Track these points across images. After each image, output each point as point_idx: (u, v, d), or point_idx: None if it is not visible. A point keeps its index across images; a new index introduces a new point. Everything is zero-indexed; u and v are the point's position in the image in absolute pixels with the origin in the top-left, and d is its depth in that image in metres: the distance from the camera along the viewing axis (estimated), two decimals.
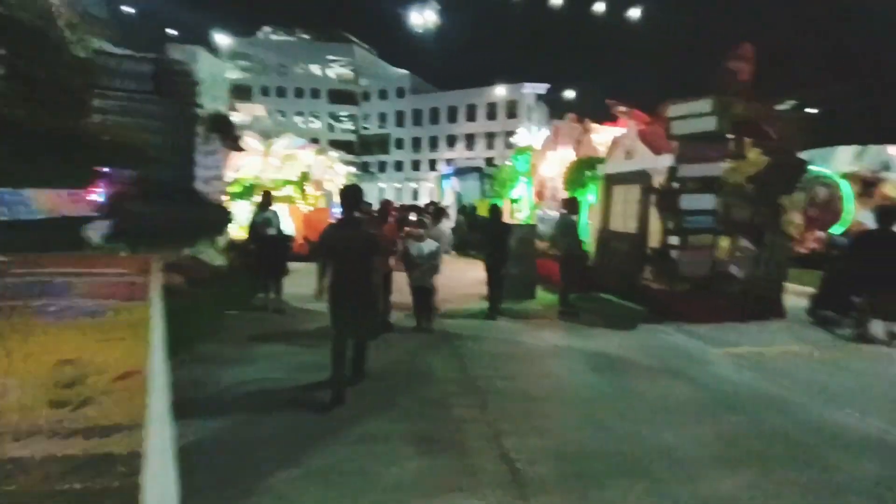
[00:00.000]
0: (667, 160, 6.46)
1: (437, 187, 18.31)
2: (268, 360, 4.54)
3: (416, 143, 54.88)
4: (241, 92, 55.57)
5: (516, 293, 7.75)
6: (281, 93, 56.66)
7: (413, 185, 54.07)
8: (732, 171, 6.38)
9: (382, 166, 57.46)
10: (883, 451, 3.06)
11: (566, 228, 6.85)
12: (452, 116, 52.52)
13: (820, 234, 10.59)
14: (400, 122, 55.76)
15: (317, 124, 58.03)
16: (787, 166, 6.64)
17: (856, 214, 11.18)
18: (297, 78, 57.12)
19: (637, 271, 7.09)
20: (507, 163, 13.18)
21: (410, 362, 4.68)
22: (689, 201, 6.34)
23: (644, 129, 7.13)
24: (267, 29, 59.99)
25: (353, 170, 56.16)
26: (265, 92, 56.29)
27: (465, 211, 14.22)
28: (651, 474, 2.74)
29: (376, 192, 54.38)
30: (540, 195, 11.40)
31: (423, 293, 5.74)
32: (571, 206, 6.99)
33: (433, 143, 53.90)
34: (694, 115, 6.29)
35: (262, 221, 6.41)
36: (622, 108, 7.55)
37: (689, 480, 2.67)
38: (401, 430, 3.22)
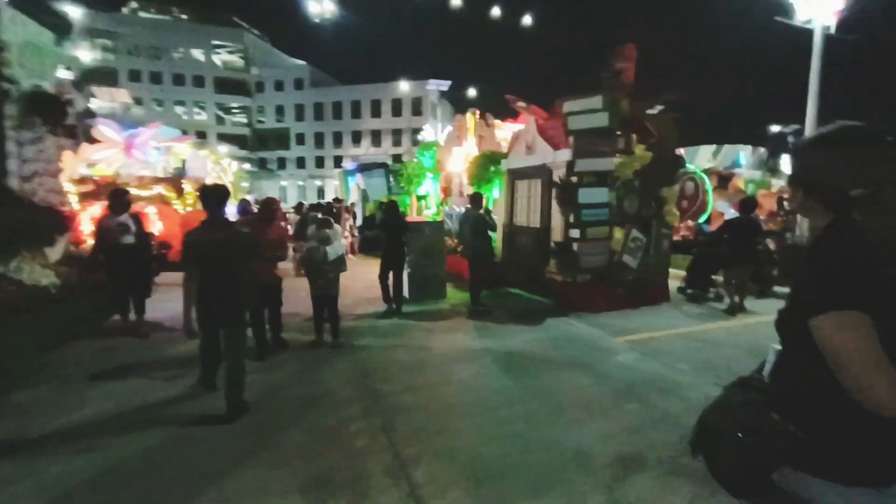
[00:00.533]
0: (565, 154, 6.60)
1: (342, 184, 17.34)
2: (113, 401, 3.62)
3: (319, 138, 52.15)
4: (104, 76, 48.07)
5: (427, 293, 7.45)
6: (156, 79, 49.90)
7: (318, 182, 51.36)
8: (622, 165, 6.72)
9: (282, 163, 53.70)
10: None
11: (474, 224, 6.69)
12: (356, 112, 50.80)
13: (690, 223, 11.91)
14: (300, 116, 52.49)
15: (203, 116, 52.28)
16: (667, 161, 7.19)
17: (714, 205, 12.80)
18: (176, 63, 50.78)
19: (542, 265, 7.19)
20: (413, 159, 12.84)
21: (305, 384, 4.08)
22: (586, 195, 6.54)
23: (542, 124, 7.24)
24: (134, 4, 52.35)
25: (247, 166, 51.81)
26: (135, 77, 49.20)
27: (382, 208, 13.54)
28: (569, 485, 2.55)
29: (277, 190, 50.76)
30: (446, 191, 11.24)
31: (329, 302, 5.10)
32: (476, 201, 6.85)
33: (337, 139, 51.65)
34: (587, 111, 6.50)
35: (116, 228, 5.22)
36: (521, 104, 7.61)
37: (605, 488, 2.54)
38: (287, 476, 2.66)
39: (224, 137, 52.78)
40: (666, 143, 7.15)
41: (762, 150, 14.57)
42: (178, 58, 51.00)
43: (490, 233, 6.83)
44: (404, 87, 42.38)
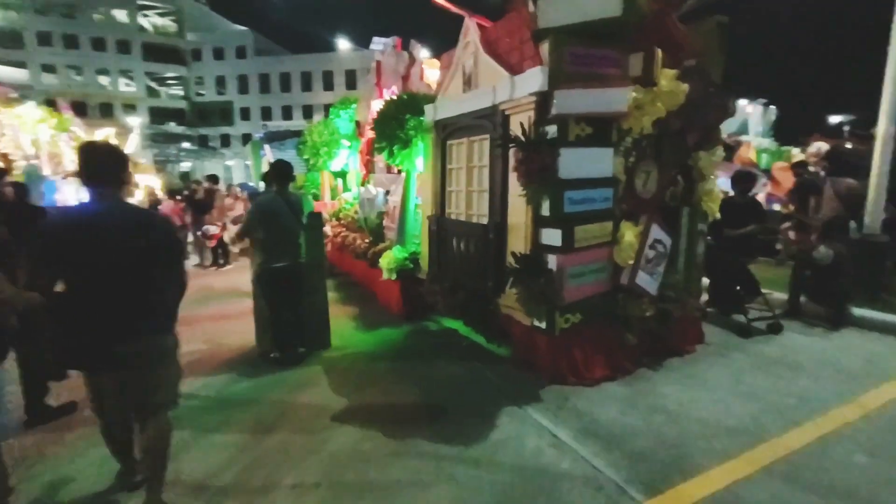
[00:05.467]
0: (532, 80, 3.35)
1: (253, 159, 13.58)
2: None
3: (266, 113, 47.04)
4: (6, 38, 41.15)
5: (294, 338, 4.19)
6: (71, 42, 43.32)
7: (270, 160, 46.43)
8: (638, 107, 3.55)
9: (226, 140, 48.39)
10: None
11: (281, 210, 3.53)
12: (307, 84, 45.94)
13: None
14: (244, 88, 47.17)
15: (133, 87, 46.09)
16: (710, 102, 4.06)
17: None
18: (96, 25, 44.22)
19: (492, 291, 4.00)
20: (320, 119, 9.33)
21: None
22: (572, 162, 3.34)
23: (489, 31, 3.96)
24: None
25: (186, 144, 46.32)
26: (45, 40, 42.44)
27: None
28: None
29: (222, 170, 45.47)
30: (368, 165, 7.86)
31: None
32: (283, 174, 3.84)
33: (287, 114, 46.62)
34: None
35: None
36: (449, 5, 4.34)
37: None
38: None
39: (158, 112, 46.99)
40: (707, 69, 4.01)
41: (773, 108, 11.85)
42: (97, 19, 44.39)
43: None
44: (357, 55, 37.86)
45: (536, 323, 3.53)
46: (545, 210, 3.40)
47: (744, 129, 11.30)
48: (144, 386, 2.11)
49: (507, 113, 3.74)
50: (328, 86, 44.72)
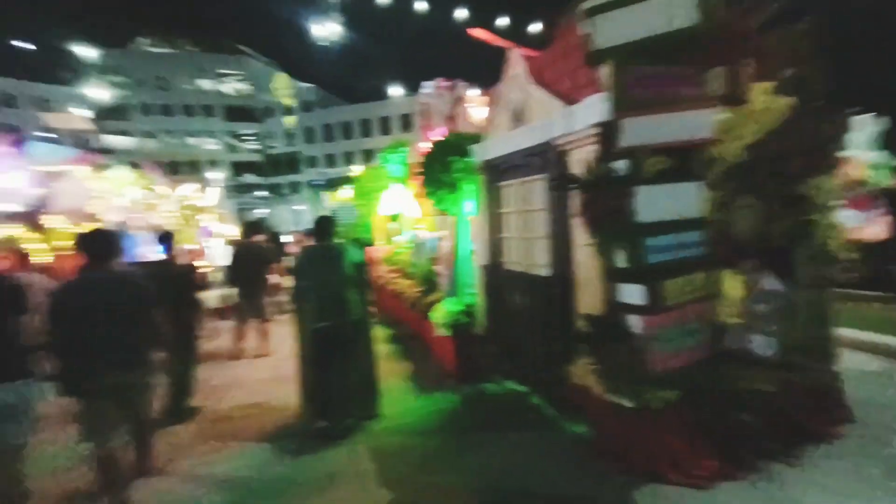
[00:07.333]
0: (593, 110, 2.86)
1: (315, 204, 14.01)
2: None
3: (331, 159, 50.12)
4: (114, 113, 47.96)
5: (343, 405, 3.82)
6: (167, 111, 49.72)
7: (328, 205, 48.92)
8: (725, 133, 2.92)
9: (295, 187, 51.94)
10: None
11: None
12: (366, 130, 48.61)
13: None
14: (310, 138, 50.85)
15: (215, 145, 51.51)
16: (818, 119, 3.30)
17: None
18: (185, 94, 50.43)
19: (558, 357, 3.39)
20: (373, 165, 9.36)
21: None
22: (650, 201, 2.75)
23: (537, 60, 3.53)
24: (143, 40, 52.58)
25: (263, 193, 50.30)
26: (147, 111, 49.03)
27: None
28: None
29: (290, 215, 48.67)
30: (419, 208, 7.64)
31: None
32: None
33: (348, 159, 49.28)
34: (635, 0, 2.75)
35: None
36: (485, 34, 4.00)
37: None
38: None
39: (238, 165, 51.83)
40: (809, 79, 3.27)
41: (877, 117, 10.17)
42: (187, 89, 50.65)
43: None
44: (410, 99, 39.46)
45: (619, 400, 2.87)
46: (621, 261, 2.81)
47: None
48: None
49: (563, 149, 3.25)
50: (385, 131, 46.82)
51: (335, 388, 3.72)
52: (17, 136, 8.82)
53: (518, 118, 3.80)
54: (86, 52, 47.18)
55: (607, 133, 2.81)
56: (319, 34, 27.94)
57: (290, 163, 51.69)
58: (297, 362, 4.02)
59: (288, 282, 4.11)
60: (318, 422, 3.80)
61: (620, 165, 2.79)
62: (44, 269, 5.80)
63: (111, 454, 2.64)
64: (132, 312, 2.70)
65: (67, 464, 3.21)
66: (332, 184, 12.77)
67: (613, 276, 2.88)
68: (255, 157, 53.17)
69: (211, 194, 15.87)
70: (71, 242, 7.69)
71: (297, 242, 10.56)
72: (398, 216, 8.89)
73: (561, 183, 3.09)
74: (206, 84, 51.09)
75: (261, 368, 5.67)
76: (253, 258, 6.31)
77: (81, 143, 31.98)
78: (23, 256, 4.65)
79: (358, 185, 8.81)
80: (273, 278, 8.78)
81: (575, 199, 2.99)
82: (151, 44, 52.44)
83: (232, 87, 52.96)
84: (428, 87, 7.69)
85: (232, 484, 3.11)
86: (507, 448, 3.27)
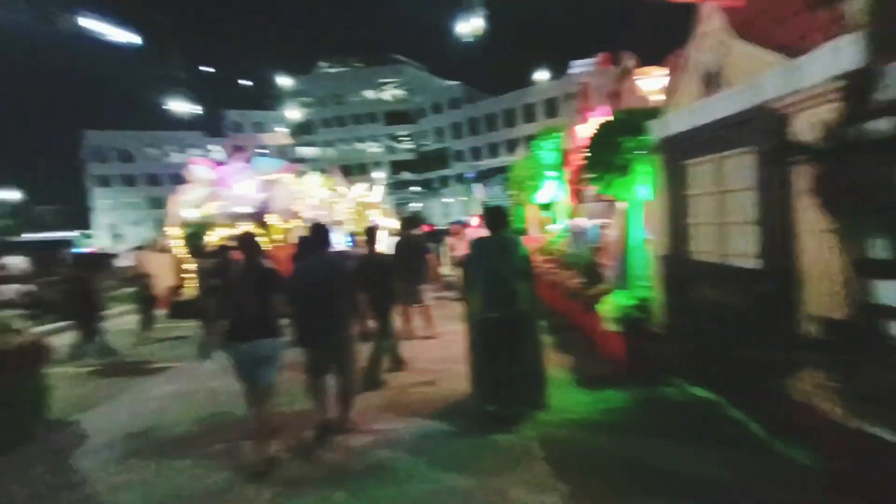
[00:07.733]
0: (833, 58, 2.24)
1: (466, 197, 14.61)
2: None
3: (476, 153, 51.61)
4: (303, 128, 57.90)
5: (505, 391, 3.89)
6: (340, 122, 58.07)
7: (479, 197, 50.52)
8: None
9: (444, 181, 55.10)
10: None
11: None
12: (510, 120, 48.51)
13: None
14: (457, 133, 53.22)
15: (377, 148, 58.07)
16: None
17: None
18: (354, 105, 57.98)
19: (770, 366, 2.81)
20: (526, 154, 9.18)
21: None
22: None
23: (742, 10, 2.90)
24: (323, 64, 61.84)
25: (416, 188, 54.88)
26: (327, 124, 57.92)
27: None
28: None
29: (440, 208, 51.98)
30: (576, 195, 7.28)
31: None
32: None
33: (493, 151, 50.04)
34: None
35: None
36: None
37: None
38: None
39: (396, 164, 57.54)
40: None
41: None
42: (355, 101, 58.10)
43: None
44: (554, 83, 37.83)
45: (871, 429, 2.24)
46: (878, 251, 2.16)
47: None
48: None
49: (782, 112, 2.64)
50: (529, 118, 45.96)
51: (504, 375, 3.78)
52: (247, 154, 11.30)
53: (711, 83, 3.24)
54: (284, 80, 58.31)
55: (857, 85, 2.17)
56: (464, 31, 28.83)
57: (440, 158, 54.96)
58: (465, 347, 4.22)
59: (446, 270, 4.32)
60: (488, 405, 3.92)
61: (879, 126, 2.13)
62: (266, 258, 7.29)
63: (321, 386, 3.65)
64: (341, 290, 3.58)
65: (299, 393, 4.01)
66: (481, 176, 13.05)
67: (865, 269, 2.23)
68: (410, 156, 58.01)
69: (376, 192, 17.98)
70: (283, 236, 9.40)
71: (454, 233, 11.15)
72: (552, 205, 8.63)
73: (782, 154, 2.52)
74: (369, 94, 57.74)
75: (429, 349, 6.13)
76: (412, 249, 6.82)
77: (284, 155, 40.34)
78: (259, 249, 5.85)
79: (511, 174, 8.78)
80: (431, 266, 9.46)
81: (802, 175, 2.41)
82: (329, 66, 61.30)
83: (390, 93, 58.62)
84: (580, 66, 7.22)
85: (414, 450, 3.41)
86: (695, 466, 2.86)
